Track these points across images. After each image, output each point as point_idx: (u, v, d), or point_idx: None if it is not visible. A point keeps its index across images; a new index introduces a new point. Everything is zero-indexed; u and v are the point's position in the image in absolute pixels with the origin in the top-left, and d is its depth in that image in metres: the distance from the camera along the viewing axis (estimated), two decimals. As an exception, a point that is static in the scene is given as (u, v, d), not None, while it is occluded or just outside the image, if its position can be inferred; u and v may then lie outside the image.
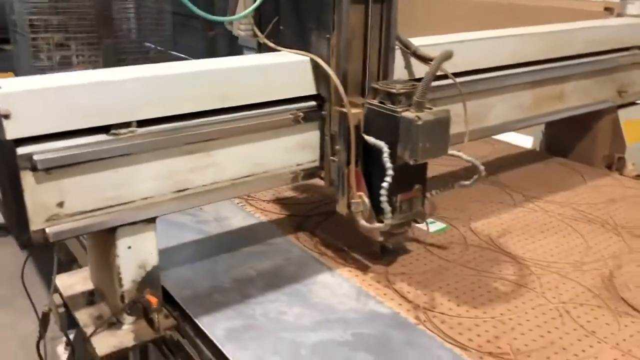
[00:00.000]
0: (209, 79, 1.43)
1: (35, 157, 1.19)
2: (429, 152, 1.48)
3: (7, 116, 1.15)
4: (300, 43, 1.62)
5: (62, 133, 1.24)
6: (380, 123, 1.53)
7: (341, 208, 1.66)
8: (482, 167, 1.60)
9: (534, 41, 2.15)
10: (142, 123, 1.35)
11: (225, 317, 1.49)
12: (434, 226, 2.03)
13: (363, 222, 1.56)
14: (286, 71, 1.56)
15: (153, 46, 5.10)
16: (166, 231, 1.90)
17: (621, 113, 2.61)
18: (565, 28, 2.30)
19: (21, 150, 1.20)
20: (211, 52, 5.84)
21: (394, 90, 1.50)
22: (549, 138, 2.90)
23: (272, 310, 1.52)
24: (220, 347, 1.37)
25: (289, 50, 1.64)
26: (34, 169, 1.20)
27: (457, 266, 1.77)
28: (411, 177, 1.60)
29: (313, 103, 1.62)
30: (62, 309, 1.59)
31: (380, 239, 1.67)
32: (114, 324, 1.48)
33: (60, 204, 1.28)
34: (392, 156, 1.48)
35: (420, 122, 1.43)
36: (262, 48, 1.72)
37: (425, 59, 1.75)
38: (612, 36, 2.44)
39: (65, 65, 4.66)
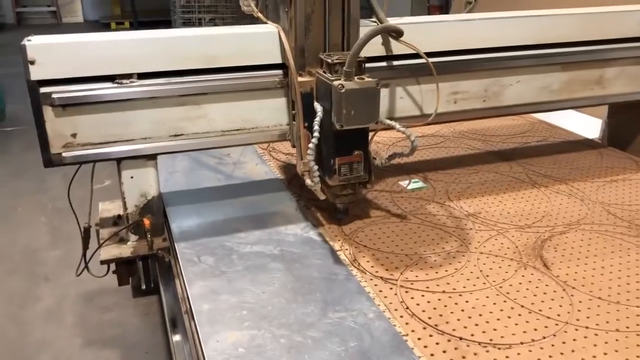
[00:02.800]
0: (195, 42, 1.79)
1: (53, 95, 1.67)
2: (354, 119, 1.61)
3: (32, 62, 1.64)
4: (276, 16, 1.90)
5: (77, 79, 1.69)
6: (323, 90, 1.71)
7: (298, 168, 1.84)
8: (414, 137, 1.74)
9: (565, 22, 2.18)
10: (142, 76, 1.76)
11: (199, 243, 1.84)
12: (414, 184, 2.28)
13: (307, 181, 1.71)
14: (258, 40, 1.85)
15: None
16: (190, 166, 2.44)
17: None
18: (608, 10, 2.26)
19: (43, 90, 1.67)
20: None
21: (329, 60, 1.69)
22: (610, 129, 2.83)
23: (235, 237, 1.90)
24: (175, 243, 1.83)
25: (271, 22, 1.91)
26: (52, 104, 1.68)
27: (406, 215, 2.03)
28: (351, 143, 1.73)
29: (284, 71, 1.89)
30: (96, 227, 2.07)
31: (323, 197, 1.80)
32: (125, 240, 1.96)
33: (74, 135, 1.74)
34: (327, 121, 1.67)
35: (343, 90, 1.58)
36: (258, 21, 2.05)
37: (395, 36, 1.89)
38: None
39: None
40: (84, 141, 1.77)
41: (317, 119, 1.68)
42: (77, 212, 2.03)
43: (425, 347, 1.36)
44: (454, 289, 1.60)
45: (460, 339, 1.39)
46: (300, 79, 1.77)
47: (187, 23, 7.47)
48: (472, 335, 1.40)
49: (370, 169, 1.80)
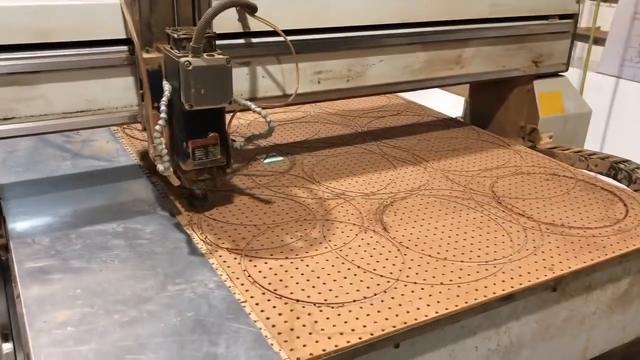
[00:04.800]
0: (24, 14, 1.62)
1: None
2: (205, 98, 1.54)
3: None
4: None
5: None
6: (170, 68, 1.62)
7: (150, 152, 1.75)
8: (270, 119, 1.68)
9: (426, 2, 2.18)
10: None
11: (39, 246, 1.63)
12: (271, 158, 2.31)
13: (159, 166, 1.60)
14: (98, 13, 1.69)
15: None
16: (33, 146, 2.28)
17: (537, 84, 2.62)
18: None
19: None
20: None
21: (175, 35, 1.60)
22: (471, 107, 2.96)
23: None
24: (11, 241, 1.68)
25: None
26: None
27: (259, 187, 2.05)
28: (206, 125, 1.65)
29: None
30: None
31: (177, 183, 1.71)
32: None
33: None
34: (177, 101, 1.58)
35: (190, 67, 1.51)
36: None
37: (249, 11, 1.81)
38: (526, 3, 2.44)
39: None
40: None
41: (165, 99, 1.58)
42: None
43: (262, 311, 1.39)
44: (296, 255, 1.64)
45: (297, 301, 1.43)
46: (145, 55, 1.67)
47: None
48: (309, 297, 1.45)
49: (228, 152, 1.73)
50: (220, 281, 1.50)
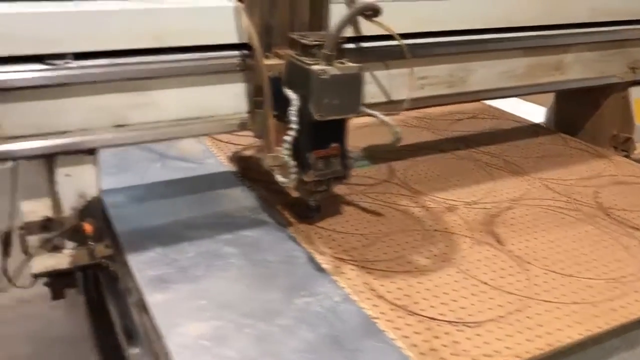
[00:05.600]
0: (141, 18, 1.51)
1: None
2: (336, 108, 1.47)
3: None
4: None
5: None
6: (296, 76, 1.52)
7: (266, 161, 1.65)
8: (398, 128, 1.59)
9: (526, 5, 2.08)
10: (78, 56, 1.46)
11: (152, 255, 1.58)
12: (360, 162, 2.24)
13: (278, 177, 1.56)
14: (213, 16, 1.60)
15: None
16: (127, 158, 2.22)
17: (634, 90, 2.51)
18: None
19: None
20: None
21: (305, 42, 1.50)
22: (558, 114, 2.81)
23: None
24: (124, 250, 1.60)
25: None
26: None
27: (357, 194, 1.99)
28: (328, 135, 1.58)
29: (246, 52, 1.64)
30: (21, 231, 1.69)
31: (296, 194, 1.67)
32: (56, 247, 1.64)
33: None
34: (303, 110, 1.48)
35: (325, 76, 1.42)
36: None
37: (370, 14, 1.63)
38: (623, 6, 2.32)
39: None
40: (11, 133, 1.45)
41: (294, 109, 1.48)
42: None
43: (398, 329, 1.33)
44: (415, 268, 1.58)
45: (432, 319, 1.38)
46: (267, 61, 1.58)
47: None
48: (442, 314, 1.39)
49: (347, 162, 1.66)
50: (345, 294, 1.45)
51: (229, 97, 1.70)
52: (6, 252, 1.68)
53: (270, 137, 1.60)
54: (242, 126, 1.74)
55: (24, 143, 1.49)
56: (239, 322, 1.34)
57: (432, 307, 1.42)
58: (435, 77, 2.00)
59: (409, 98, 1.84)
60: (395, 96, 1.93)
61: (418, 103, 2.03)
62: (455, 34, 2.00)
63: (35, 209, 1.72)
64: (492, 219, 1.87)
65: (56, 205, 1.64)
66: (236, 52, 1.65)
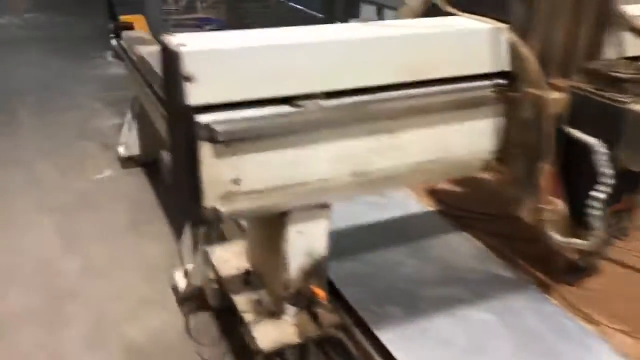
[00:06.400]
0: (403, 46, 1.28)
1: (217, 128, 1.10)
2: None
3: (190, 79, 1.04)
4: (477, 5, 1.38)
5: (242, 102, 1.15)
6: (594, 114, 1.28)
7: (526, 213, 1.43)
8: None
9: None
10: (326, 95, 1.23)
11: (396, 321, 1.44)
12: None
13: (556, 236, 1.36)
14: (481, 41, 1.34)
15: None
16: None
17: None
18: None
19: (201, 119, 1.10)
20: (328, 5, 5.61)
21: (620, 75, 1.24)
22: None
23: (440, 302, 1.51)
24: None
25: (468, 15, 1.39)
26: (212, 140, 1.11)
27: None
28: (623, 186, 1.34)
29: (502, 81, 1.39)
30: (215, 285, 1.55)
31: (576, 256, 1.49)
32: (272, 312, 1.43)
33: (236, 181, 1.19)
34: (609, 159, 1.27)
35: None
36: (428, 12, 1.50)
37: None
38: None
39: (190, 9, 5.17)
40: (249, 188, 1.22)
41: (604, 157, 1.26)
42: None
43: None
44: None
45: None
46: (554, 95, 1.32)
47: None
48: None
49: (631, 217, 1.47)
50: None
51: (473, 136, 1.43)
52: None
53: (544, 185, 1.38)
54: (485, 168, 1.49)
55: (261, 200, 1.25)
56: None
57: None
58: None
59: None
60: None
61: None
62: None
63: (226, 256, 1.57)
64: None
65: (282, 264, 1.40)
66: (487, 82, 1.39)
